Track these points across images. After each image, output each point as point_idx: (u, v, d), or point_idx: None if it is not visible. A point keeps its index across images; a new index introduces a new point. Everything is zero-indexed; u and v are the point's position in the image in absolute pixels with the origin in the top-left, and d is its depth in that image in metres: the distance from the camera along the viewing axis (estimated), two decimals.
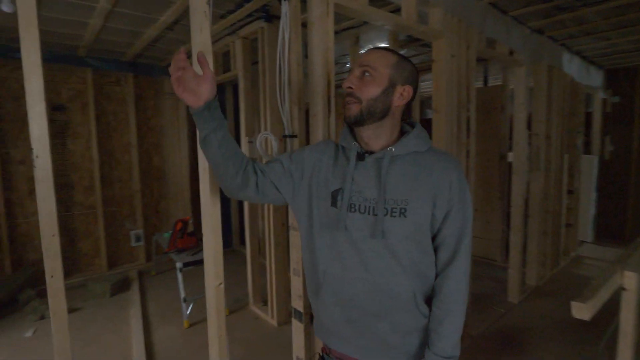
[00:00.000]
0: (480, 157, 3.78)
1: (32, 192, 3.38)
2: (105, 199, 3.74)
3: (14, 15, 2.42)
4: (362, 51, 0.88)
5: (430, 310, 0.93)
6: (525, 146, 2.81)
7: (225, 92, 4.46)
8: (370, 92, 0.89)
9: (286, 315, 2.67)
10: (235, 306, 3.01)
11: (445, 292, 0.90)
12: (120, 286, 3.38)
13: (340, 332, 0.96)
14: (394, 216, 0.87)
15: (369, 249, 0.89)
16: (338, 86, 5.33)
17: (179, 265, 2.73)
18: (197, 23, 1.05)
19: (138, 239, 3.93)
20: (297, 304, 1.41)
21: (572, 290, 3.15)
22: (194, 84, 0.86)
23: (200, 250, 3.04)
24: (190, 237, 3.05)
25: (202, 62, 0.88)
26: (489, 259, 3.95)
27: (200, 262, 2.82)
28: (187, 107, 0.90)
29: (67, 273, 3.55)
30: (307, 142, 1.48)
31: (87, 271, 3.68)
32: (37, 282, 3.33)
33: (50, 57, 3.30)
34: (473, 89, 2.21)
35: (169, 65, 4.05)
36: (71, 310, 2.96)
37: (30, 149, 0.87)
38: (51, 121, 3.39)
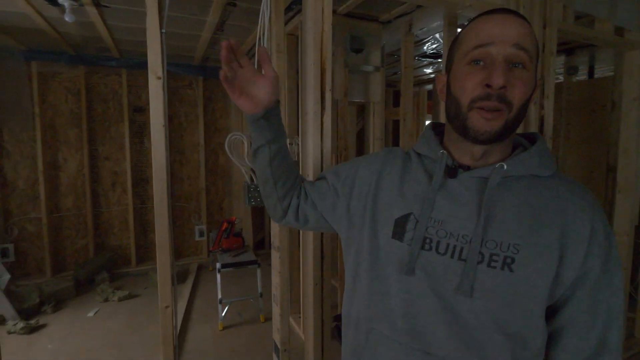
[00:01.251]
0: (579, 169, 3.02)
1: (114, 184, 3.79)
2: (174, 194, 4.02)
3: (99, 28, 2.70)
4: (479, 16, 0.60)
5: None
6: (637, 157, 2.10)
7: None
8: (525, 93, 0.58)
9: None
10: None
11: None
12: (177, 278, 3.57)
13: None
14: (493, 267, 0.57)
15: (446, 310, 0.59)
16: (391, 83, 4.88)
17: (217, 265, 2.73)
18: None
19: (201, 234, 4.13)
20: (276, 336, 1.20)
21: None
22: (253, 86, 0.72)
23: (244, 252, 3.01)
24: (236, 237, 3.05)
25: (263, 58, 0.71)
26: None
27: (239, 265, 2.79)
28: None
29: (139, 261, 3.91)
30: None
31: (156, 260, 3.99)
32: (113, 266, 3.73)
33: (134, 64, 3.64)
34: (551, 81, 1.70)
35: None
36: (131, 297, 3.21)
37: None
38: (132, 122, 3.76)
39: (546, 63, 1.68)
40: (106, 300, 3.13)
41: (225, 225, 3.01)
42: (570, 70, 3.04)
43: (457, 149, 0.65)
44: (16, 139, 3.37)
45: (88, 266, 3.49)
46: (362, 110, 4.56)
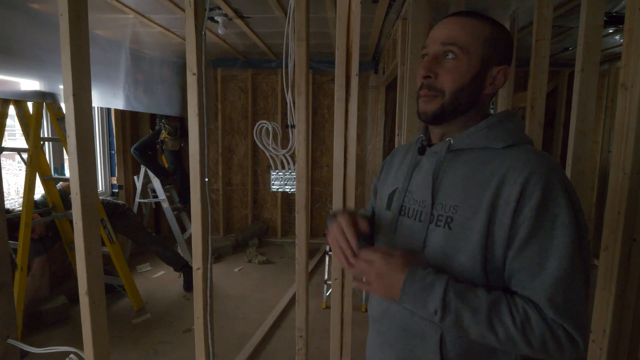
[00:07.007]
0: None
1: (268, 167, 4.50)
2: (314, 180, 4.44)
3: (250, 37, 3.27)
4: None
5: None
6: None
7: None
8: (457, 80, 0.66)
9: None
10: None
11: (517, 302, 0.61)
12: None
13: None
14: (439, 225, 0.67)
15: None
16: (555, 62, 3.69)
17: (327, 248, 2.91)
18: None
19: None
20: None
21: None
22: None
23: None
24: None
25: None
26: None
27: None
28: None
29: (284, 234, 4.54)
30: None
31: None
32: (263, 234, 4.46)
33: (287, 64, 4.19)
34: None
35: (374, 59, 4.24)
36: (268, 262, 3.80)
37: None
38: (284, 114, 4.35)
39: None
40: (250, 261, 3.81)
41: None
42: None
43: (431, 132, 0.77)
44: (207, 128, 4.43)
45: (245, 232, 4.31)
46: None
